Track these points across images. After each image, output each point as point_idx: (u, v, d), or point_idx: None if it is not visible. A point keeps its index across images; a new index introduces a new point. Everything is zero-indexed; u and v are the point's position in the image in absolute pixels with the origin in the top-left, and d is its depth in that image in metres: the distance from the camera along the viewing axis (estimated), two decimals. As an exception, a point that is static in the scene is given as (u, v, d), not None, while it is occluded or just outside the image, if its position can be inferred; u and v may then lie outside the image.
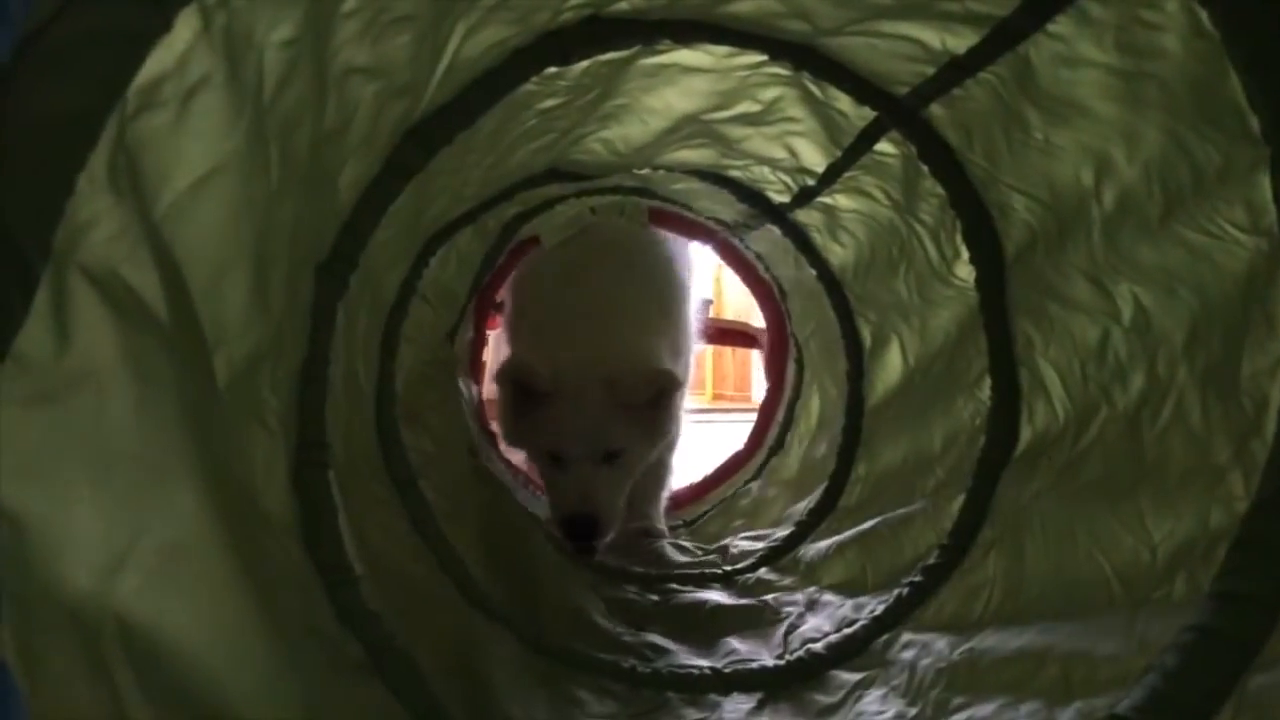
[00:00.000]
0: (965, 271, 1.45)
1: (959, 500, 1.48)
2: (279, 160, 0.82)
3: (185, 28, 0.64)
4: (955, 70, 1.21)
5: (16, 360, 0.55)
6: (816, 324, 2.30)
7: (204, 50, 0.68)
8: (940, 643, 1.32)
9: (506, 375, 1.91)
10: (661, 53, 1.37)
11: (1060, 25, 1.03)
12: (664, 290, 2.26)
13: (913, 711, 1.25)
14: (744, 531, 2.29)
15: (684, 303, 2.35)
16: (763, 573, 1.96)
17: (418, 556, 1.45)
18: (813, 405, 2.41)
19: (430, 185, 1.44)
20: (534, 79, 1.29)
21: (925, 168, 1.38)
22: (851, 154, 1.57)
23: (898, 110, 1.35)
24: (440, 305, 1.97)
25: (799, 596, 1.78)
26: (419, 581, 1.34)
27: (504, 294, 2.46)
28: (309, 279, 1.05)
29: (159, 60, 0.62)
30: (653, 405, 1.93)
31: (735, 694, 1.44)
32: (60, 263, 0.58)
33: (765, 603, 1.78)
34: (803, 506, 2.07)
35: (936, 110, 1.31)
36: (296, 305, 1.00)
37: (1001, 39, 1.10)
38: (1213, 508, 0.95)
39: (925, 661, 1.31)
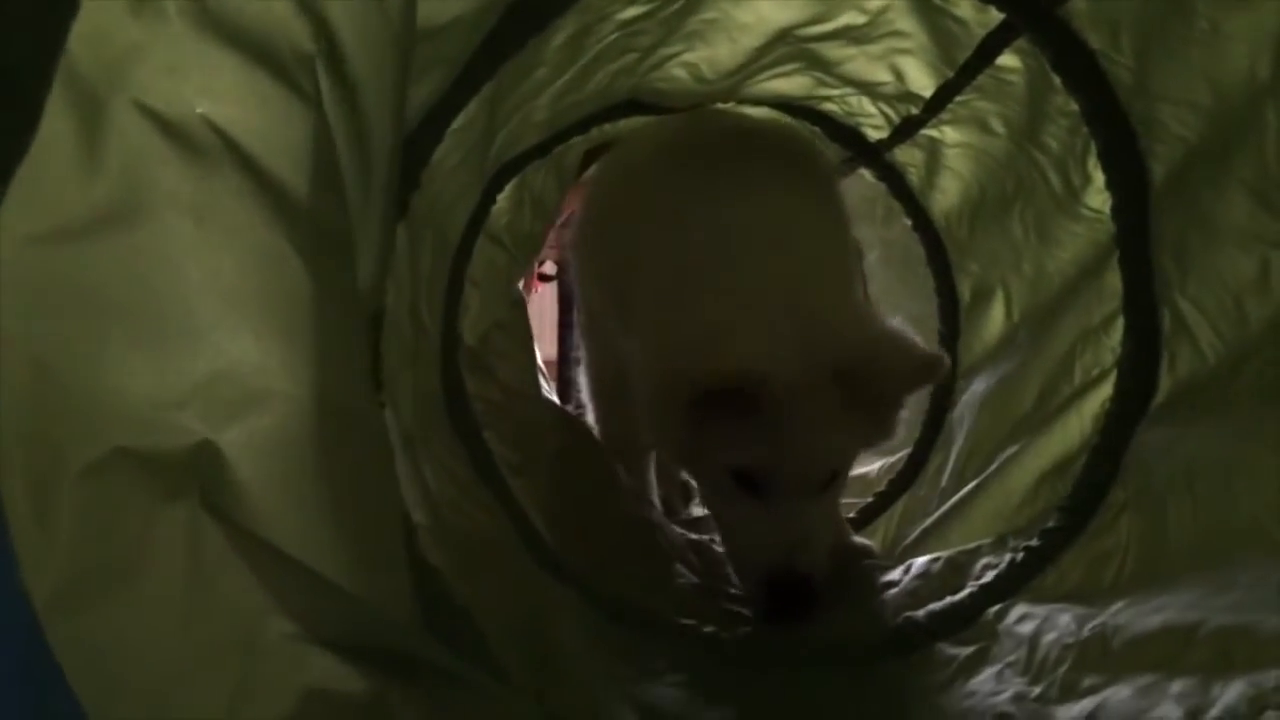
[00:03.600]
0: (1098, 200, 1.29)
1: (1082, 459, 1.33)
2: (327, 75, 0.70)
3: None
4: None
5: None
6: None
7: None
8: (1064, 616, 1.17)
9: (704, 384, 1.22)
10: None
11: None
12: (845, 214, 1.62)
13: (1035, 691, 1.11)
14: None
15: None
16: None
17: (485, 510, 1.34)
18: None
19: (499, 106, 1.32)
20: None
21: (1057, 80, 1.21)
22: (967, 72, 1.40)
23: (1031, 8, 1.17)
24: (516, 250, 1.85)
25: (891, 564, 1.63)
26: (485, 536, 1.22)
27: (572, 247, 1.91)
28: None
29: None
30: (889, 403, 1.38)
31: (826, 668, 1.30)
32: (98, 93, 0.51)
33: (859, 570, 1.62)
34: (884, 470, 1.92)
35: (1078, 5, 1.14)
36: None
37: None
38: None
39: (1049, 636, 1.16)
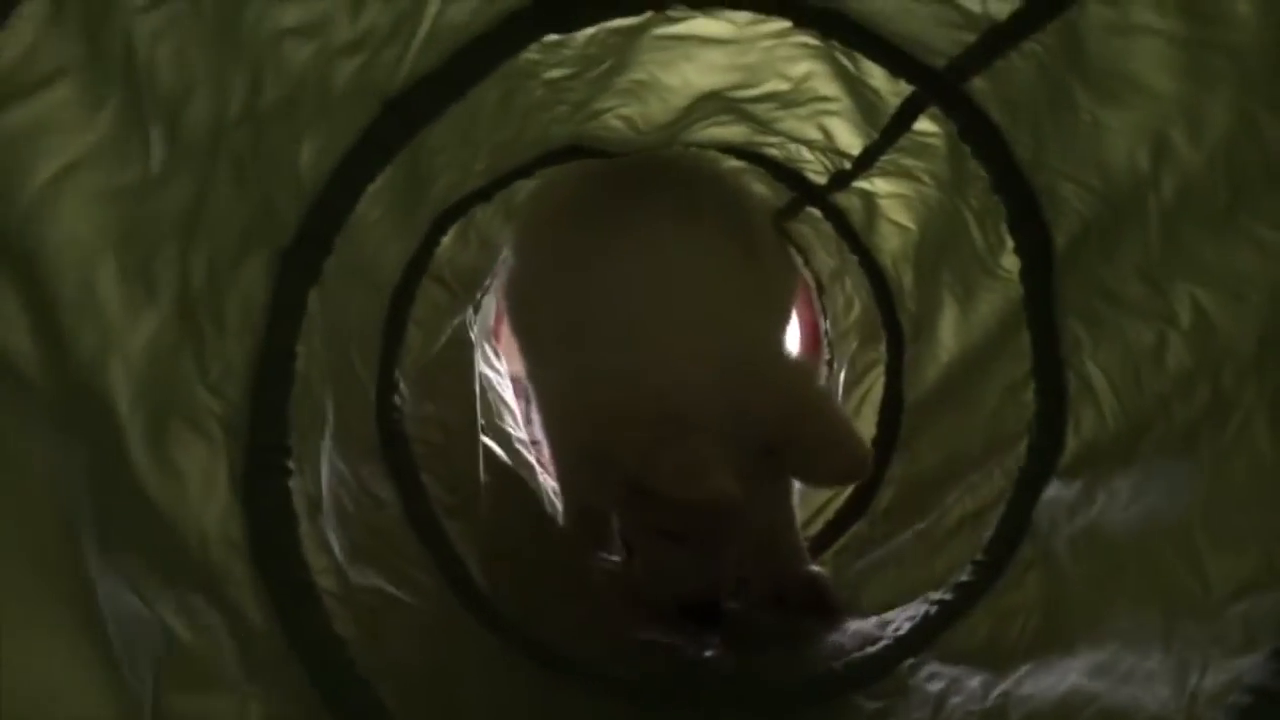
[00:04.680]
0: (1010, 262, 1.31)
1: (999, 511, 1.36)
2: (163, 141, 0.72)
3: (35, 9, 0.55)
4: (997, 38, 1.07)
5: None
6: (858, 316, 2.16)
7: (56, 34, 0.58)
8: (973, 681, 1.20)
9: (697, 503, 1.17)
10: (676, 21, 1.25)
11: (1112, -14, 0.90)
12: (775, 253, 1.65)
13: (934, 754, 1.14)
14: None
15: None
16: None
17: (409, 559, 1.36)
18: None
19: (430, 161, 1.34)
20: (534, 47, 1.17)
21: (967, 148, 1.24)
22: (888, 135, 1.43)
23: (936, 83, 1.21)
24: (459, 287, 1.87)
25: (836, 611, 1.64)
26: (399, 592, 1.24)
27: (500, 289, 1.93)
28: (259, 265, 0.95)
29: (4, 55, 0.53)
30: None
31: (744, 713, 1.33)
32: None
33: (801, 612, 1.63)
34: (831, 504, 1.95)
35: (979, 84, 1.17)
36: (229, 293, 0.90)
37: (1046, 2, 0.97)
38: (1278, 549, 0.82)
39: (955, 700, 1.19)
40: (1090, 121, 1.02)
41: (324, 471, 1.18)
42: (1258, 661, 0.80)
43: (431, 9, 0.99)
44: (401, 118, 1.10)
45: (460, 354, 1.90)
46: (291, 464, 1.01)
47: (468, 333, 1.94)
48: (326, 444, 1.21)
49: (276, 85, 0.85)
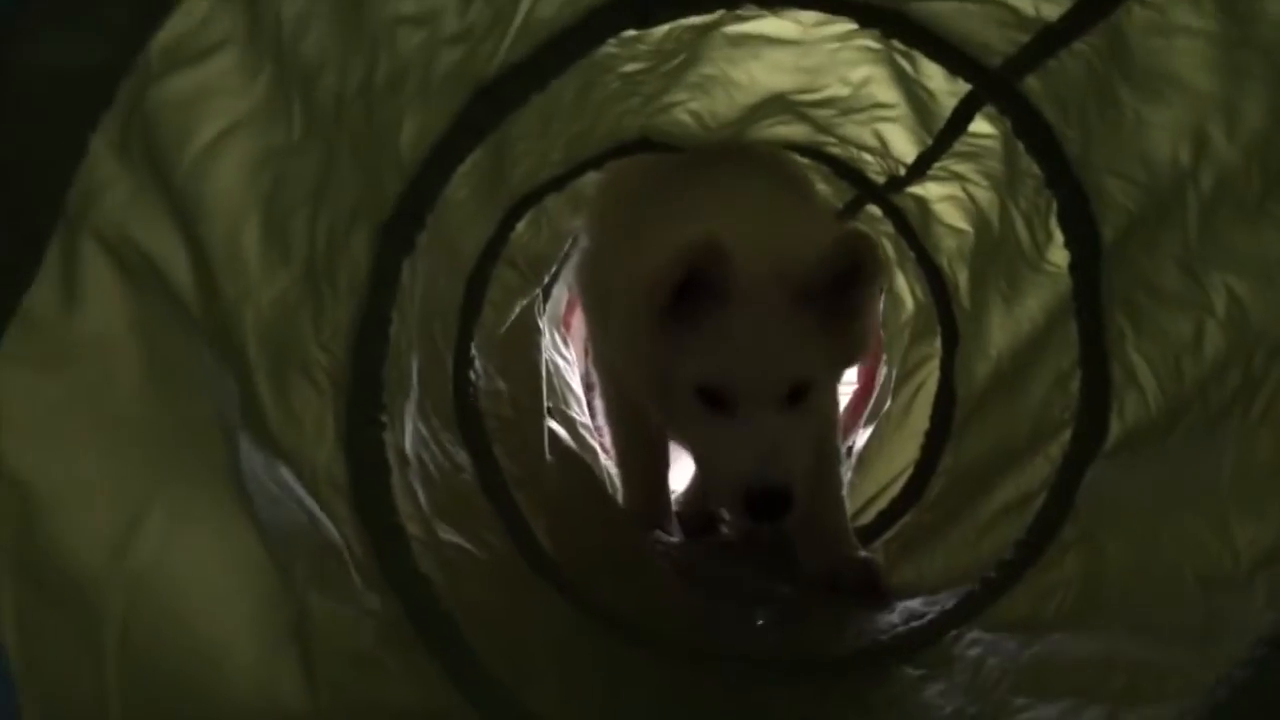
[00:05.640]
0: (1059, 256, 1.38)
1: (1042, 496, 1.42)
2: (301, 111, 0.82)
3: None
4: (1049, 38, 1.14)
5: (24, 320, 0.56)
6: (910, 315, 2.22)
7: (224, 8, 0.68)
8: (1010, 643, 1.27)
9: (668, 274, 1.29)
10: (745, 20, 1.33)
11: (1155, -11, 0.97)
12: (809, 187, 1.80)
13: (973, 709, 1.21)
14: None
15: None
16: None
17: (483, 521, 1.46)
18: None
19: (513, 148, 1.44)
20: (613, 41, 1.27)
21: (1021, 144, 1.31)
22: (942, 141, 1.50)
23: (991, 81, 1.28)
24: (529, 271, 1.97)
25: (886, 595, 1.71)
26: (477, 547, 1.34)
27: (575, 273, 2.02)
28: (365, 236, 1.05)
29: (180, 21, 0.62)
30: (846, 309, 1.39)
31: (795, 681, 1.41)
32: (73, 225, 0.58)
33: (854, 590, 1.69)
34: (885, 493, 2.01)
35: (1032, 83, 1.24)
36: (341, 260, 1.00)
37: (1094, 4, 1.04)
38: (1300, 516, 0.88)
39: (992, 661, 1.26)
40: (1134, 119, 1.09)
41: (408, 432, 1.28)
42: (1276, 620, 0.86)
43: (525, 4, 1.08)
44: (491, 103, 1.19)
45: (528, 336, 2.00)
46: (385, 419, 1.12)
47: (535, 317, 2.04)
48: (411, 408, 1.31)
49: (387, 66, 0.95)
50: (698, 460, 1.53)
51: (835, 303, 1.37)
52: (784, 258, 1.34)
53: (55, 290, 0.59)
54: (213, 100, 0.71)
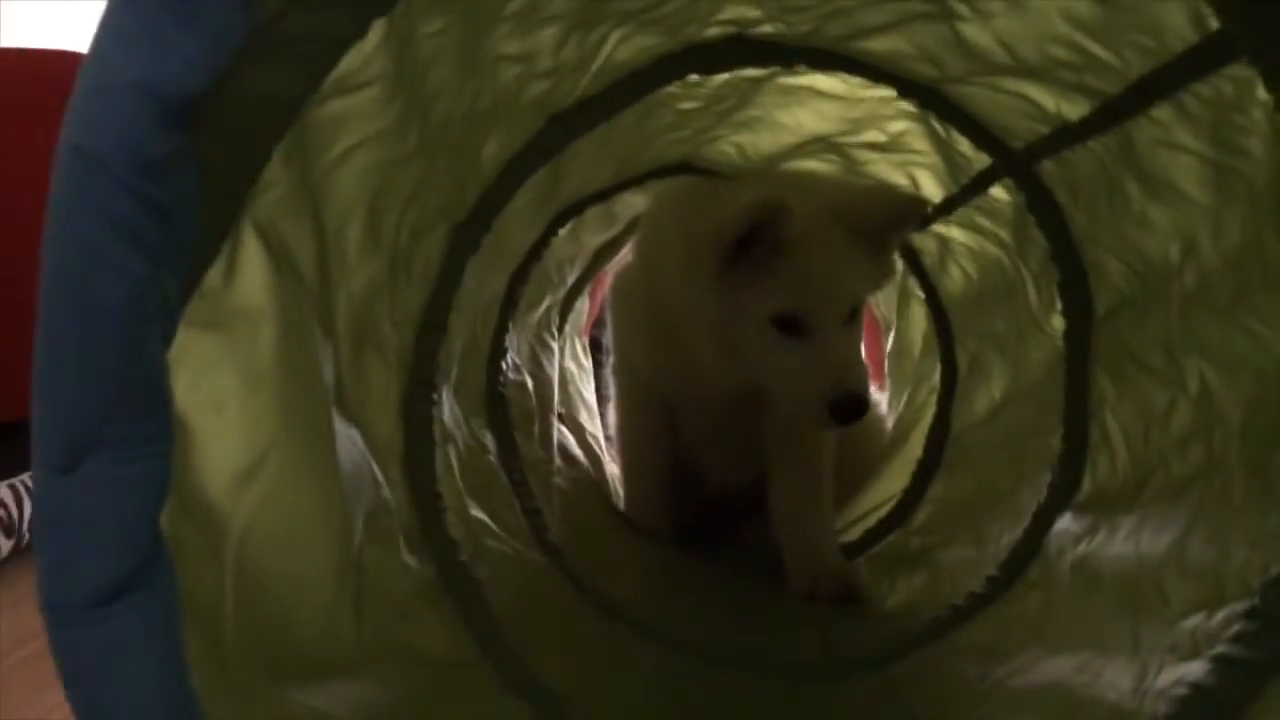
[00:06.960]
0: (1058, 322, 1.50)
1: (1015, 535, 1.54)
2: (418, 129, 0.96)
3: (374, 33, 0.78)
4: (1066, 134, 1.27)
5: (200, 291, 0.69)
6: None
7: (382, 51, 0.81)
8: (971, 671, 1.39)
9: (734, 226, 1.46)
10: (798, 75, 1.46)
11: (1161, 112, 1.10)
12: None
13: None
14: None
15: None
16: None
17: (501, 499, 1.59)
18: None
19: (569, 165, 1.56)
20: (676, 84, 1.40)
21: (1033, 218, 1.44)
22: (967, 192, 1.63)
23: (1012, 161, 1.41)
24: (555, 274, 2.11)
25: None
26: (502, 524, 1.47)
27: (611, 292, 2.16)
28: (441, 234, 1.19)
29: (350, 59, 0.75)
30: (883, 243, 1.63)
31: (775, 683, 1.53)
32: (242, 216, 0.71)
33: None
34: (873, 514, 2.14)
35: (1048, 167, 1.37)
36: (418, 253, 1.14)
37: (1109, 114, 1.17)
38: (1227, 583, 1.01)
39: (957, 680, 1.39)
40: (1140, 212, 1.21)
41: (447, 410, 1.41)
42: (1201, 664, 0.99)
43: (607, 49, 1.22)
44: (562, 129, 1.33)
45: (548, 336, 2.15)
46: (436, 397, 1.25)
47: (551, 318, 2.18)
48: (449, 391, 1.44)
49: (488, 95, 1.09)
50: (773, 383, 1.65)
51: (876, 239, 1.61)
52: (840, 206, 1.56)
53: (221, 267, 0.72)
54: (354, 121, 0.84)
